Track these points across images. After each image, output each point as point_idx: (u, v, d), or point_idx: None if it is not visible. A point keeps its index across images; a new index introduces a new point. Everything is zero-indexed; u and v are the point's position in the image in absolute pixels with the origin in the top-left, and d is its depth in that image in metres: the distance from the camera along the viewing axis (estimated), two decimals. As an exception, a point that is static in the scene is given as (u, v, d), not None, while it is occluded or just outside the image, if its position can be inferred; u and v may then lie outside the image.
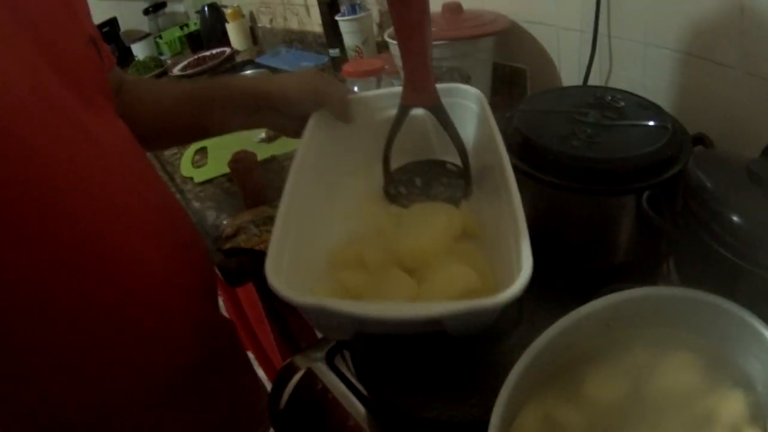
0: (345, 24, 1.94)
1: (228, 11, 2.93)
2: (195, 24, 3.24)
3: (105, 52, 0.96)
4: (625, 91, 0.96)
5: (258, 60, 2.70)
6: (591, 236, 0.91)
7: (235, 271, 1.20)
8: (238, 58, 2.85)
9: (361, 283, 0.74)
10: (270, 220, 1.22)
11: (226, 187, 1.52)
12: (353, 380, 0.85)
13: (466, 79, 1.30)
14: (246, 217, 1.25)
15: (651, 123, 0.87)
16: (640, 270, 0.92)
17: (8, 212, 0.68)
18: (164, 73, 2.91)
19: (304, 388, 0.88)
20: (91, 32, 0.89)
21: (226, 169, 1.44)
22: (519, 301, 0.56)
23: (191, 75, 2.68)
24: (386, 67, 1.50)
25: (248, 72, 2.35)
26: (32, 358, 0.78)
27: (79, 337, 0.79)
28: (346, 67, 1.48)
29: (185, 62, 2.85)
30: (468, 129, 0.90)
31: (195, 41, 3.17)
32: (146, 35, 3.31)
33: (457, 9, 1.45)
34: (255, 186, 1.33)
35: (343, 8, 1.99)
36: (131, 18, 3.48)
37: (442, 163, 0.92)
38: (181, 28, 3.31)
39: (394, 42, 1.41)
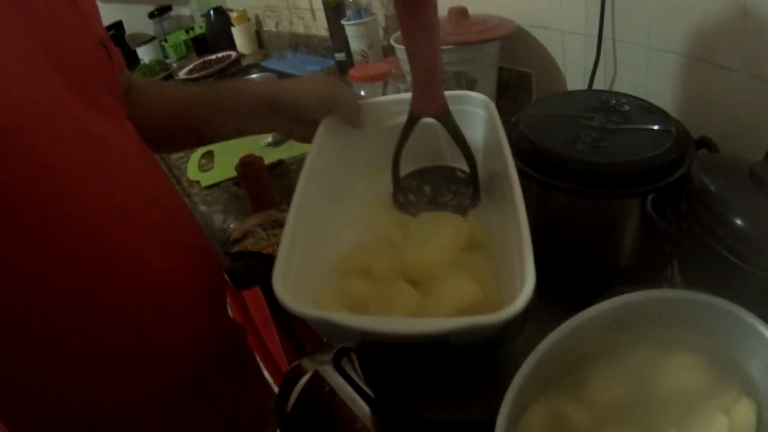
0: (351, 28, 1.95)
1: (234, 15, 2.92)
2: (200, 27, 3.23)
3: (115, 55, 0.96)
4: (630, 95, 0.97)
5: (264, 63, 2.70)
6: (595, 239, 0.92)
7: (243, 275, 1.20)
8: (244, 62, 2.85)
9: (367, 292, 0.74)
10: (277, 224, 1.22)
11: (233, 190, 1.53)
12: (360, 383, 0.85)
13: (472, 84, 1.30)
14: (253, 221, 1.25)
15: (655, 127, 0.87)
16: (644, 273, 0.92)
17: (8, 211, 0.69)
18: (170, 76, 2.91)
19: (311, 390, 0.88)
20: (101, 35, 0.90)
21: (233, 173, 1.44)
22: (524, 312, 0.57)
23: (197, 79, 2.67)
24: (392, 71, 1.50)
25: (254, 75, 2.35)
26: (33, 358, 0.78)
27: (80, 338, 0.80)
28: (353, 72, 1.49)
29: (191, 66, 2.86)
30: (476, 136, 0.90)
31: (200, 45, 3.16)
32: (152, 39, 3.31)
33: (462, 14, 1.45)
34: (262, 190, 1.34)
35: (348, 12, 1.99)
36: (137, 21, 3.48)
37: (452, 170, 0.92)
38: (187, 31, 3.31)
39: (400, 46, 1.42)
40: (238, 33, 2.96)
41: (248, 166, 1.31)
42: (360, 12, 1.93)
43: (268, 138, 1.72)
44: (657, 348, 0.61)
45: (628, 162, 0.82)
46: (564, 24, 1.35)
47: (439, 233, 0.78)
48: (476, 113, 0.91)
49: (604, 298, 0.60)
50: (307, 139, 0.93)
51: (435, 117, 0.84)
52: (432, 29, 0.76)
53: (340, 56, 2.16)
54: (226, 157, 1.68)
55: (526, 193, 0.69)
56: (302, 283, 0.67)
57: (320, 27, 2.51)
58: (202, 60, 2.90)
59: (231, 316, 1.20)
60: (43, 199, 0.72)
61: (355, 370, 0.87)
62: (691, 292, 0.58)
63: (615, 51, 1.23)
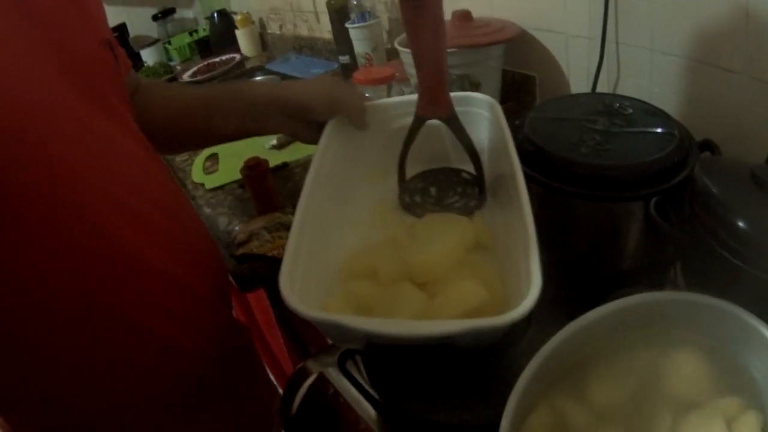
0: (355, 31, 1.94)
1: (237, 17, 2.93)
2: (204, 30, 3.24)
3: (121, 57, 0.96)
4: (633, 98, 0.97)
5: (268, 66, 2.70)
6: (599, 242, 0.92)
7: (248, 277, 1.20)
8: (248, 65, 2.85)
9: (373, 294, 0.74)
10: (282, 226, 1.22)
11: (238, 193, 1.53)
12: (365, 385, 0.85)
13: (476, 87, 1.31)
14: (258, 224, 1.26)
15: (658, 130, 0.88)
16: (648, 275, 0.92)
17: (11, 211, 0.69)
18: (173, 79, 2.91)
19: (315, 392, 0.88)
20: (107, 36, 0.90)
21: (238, 176, 1.45)
22: (528, 315, 0.57)
23: (201, 81, 2.67)
24: (397, 74, 1.51)
25: (258, 78, 2.36)
26: (34, 357, 0.78)
27: (82, 337, 0.80)
28: (357, 75, 1.49)
29: (195, 68, 2.86)
30: (482, 138, 0.91)
31: (204, 47, 3.17)
32: (155, 41, 3.32)
33: (466, 17, 1.45)
34: (267, 192, 1.34)
35: (352, 15, 1.99)
36: (140, 24, 3.48)
37: (458, 172, 0.93)
38: (191, 34, 3.31)
39: (404, 49, 1.42)
40: (241, 36, 2.96)
41: (253, 169, 1.31)
42: (364, 15, 1.93)
43: (273, 140, 1.72)
44: (660, 350, 0.61)
45: (632, 165, 0.83)
46: (568, 27, 1.35)
47: (445, 235, 0.78)
48: (481, 115, 0.91)
49: (608, 301, 0.60)
50: (312, 140, 0.93)
51: (441, 119, 0.84)
52: (437, 30, 0.76)
53: (344, 59, 2.15)
54: (230, 160, 1.69)
55: (530, 196, 0.70)
56: (308, 284, 0.68)
57: (324, 30, 2.52)
58: (206, 63, 2.90)
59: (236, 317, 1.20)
60: (46, 200, 0.72)
61: (360, 372, 0.87)
62: (694, 294, 0.59)
63: (618, 54, 1.24)
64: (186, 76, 2.78)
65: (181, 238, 0.93)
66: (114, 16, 3.18)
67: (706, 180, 0.74)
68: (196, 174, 1.71)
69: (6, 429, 0.84)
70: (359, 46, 1.97)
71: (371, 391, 0.84)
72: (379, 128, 0.94)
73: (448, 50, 1.33)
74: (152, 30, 3.47)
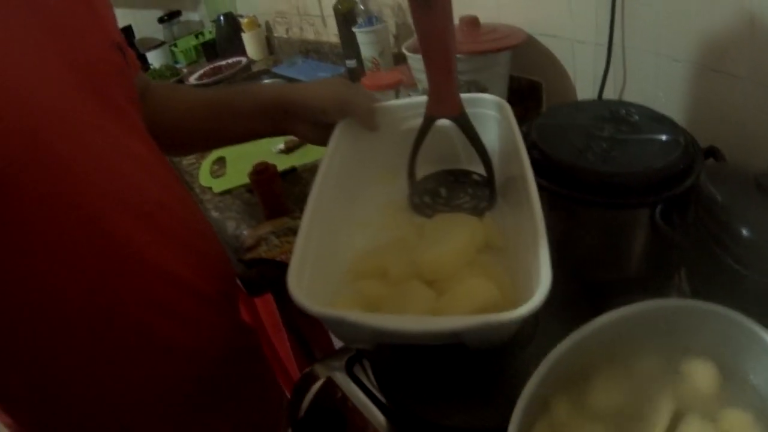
0: (362, 35, 1.94)
1: (244, 21, 2.93)
2: (210, 33, 3.24)
3: (131, 58, 0.97)
4: (639, 105, 0.97)
5: (274, 70, 2.71)
6: (605, 249, 0.92)
7: (256, 281, 1.21)
8: (254, 68, 2.85)
9: (382, 293, 0.74)
10: (291, 231, 1.23)
11: (246, 197, 1.53)
12: (373, 389, 0.85)
13: (483, 93, 1.31)
14: (267, 228, 1.26)
15: (664, 137, 0.88)
16: (653, 282, 0.92)
17: (21, 212, 0.70)
18: (180, 82, 2.91)
19: (323, 396, 0.88)
20: (116, 38, 0.91)
21: (245, 180, 1.45)
22: (535, 316, 0.57)
23: (207, 84, 2.67)
24: (404, 79, 1.51)
25: (265, 82, 2.36)
26: (40, 357, 0.79)
27: (87, 337, 0.80)
28: (364, 80, 1.49)
29: (201, 71, 2.86)
30: (492, 139, 0.90)
31: (210, 50, 3.17)
32: (161, 43, 3.32)
33: (473, 23, 1.45)
34: (275, 197, 1.35)
35: (359, 20, 1.99)
36: (146, 26, 3.49)
37: (468, 173, 0.92)
38: (197, 36, 3.32)
39: (411, 54, 1.42)
40: (248, 39, 2.97)
41: (261, 173, 1.31)
42: (371, 19, 1.93)
43: (280, 145, 1.72)
44: (664, 357, 0.61)
45: (638, 172, 0.83)
46: (574, 33, 1.36)
47: (455, 234, 0.78)
48: (491, 116, 0.91)
49: (613, 307, 0.61)
50: (321, 142, 0.92)
51: (451, 118, 0.84)
52: (446, 28, 0.76)
53: (351, 63, 2.16)
54: (237, 163, 1.69)
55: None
56: (317, 284, 0.68)
57: (331, 33, 2.52)
58: (212, 66, 2.90)
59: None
60: (52, 199, 0.73)
61: (368, 377, 0.88)
62: (698, 302, 0.59)
63: (624, 59, 1.24)
64: (192, 79, 2.78)
65: (187, 239, 0.93)
66: (120, 18, 3.16)
67: (710, 187, 0.74)
68: (204, 177, 1.71)
69: (13, 428, 0.84)
70: (366, 51, 1.97)
71: (379, 395, 0.84)
72: (389, 130, 0.94)
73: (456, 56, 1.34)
74: (158, 32, 3.47)
